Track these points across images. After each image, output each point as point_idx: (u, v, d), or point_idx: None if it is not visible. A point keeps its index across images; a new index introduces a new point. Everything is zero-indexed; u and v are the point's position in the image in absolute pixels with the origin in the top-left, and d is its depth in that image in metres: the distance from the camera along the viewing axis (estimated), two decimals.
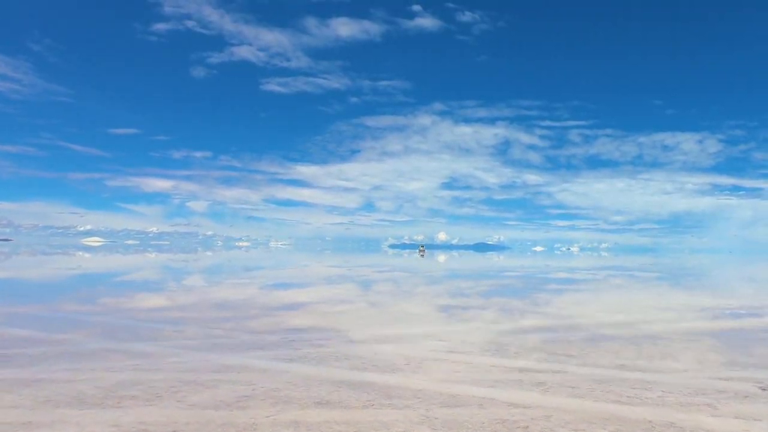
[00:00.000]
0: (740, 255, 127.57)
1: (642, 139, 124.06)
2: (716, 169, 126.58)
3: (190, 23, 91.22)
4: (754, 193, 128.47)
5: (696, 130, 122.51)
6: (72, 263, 36.59)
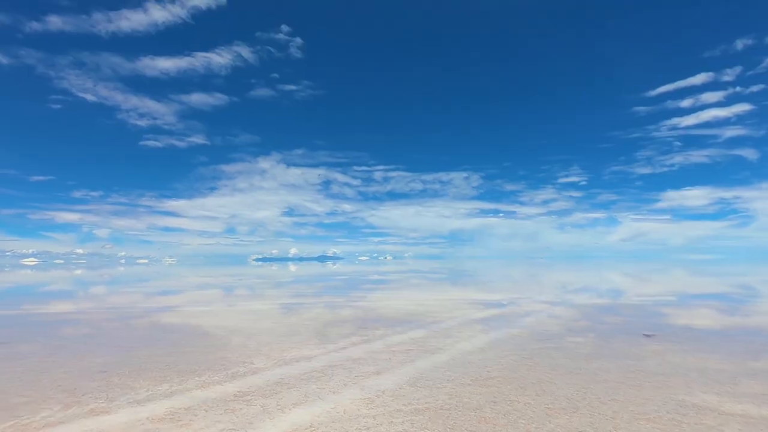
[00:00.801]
0: (507, 260, 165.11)
1: (425, 176, 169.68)
2: (480, 197, 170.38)
3: (86, 95, 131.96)
4: (510, 215, 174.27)
5: (464, 170, 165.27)
6: (39, 278, 35.46)
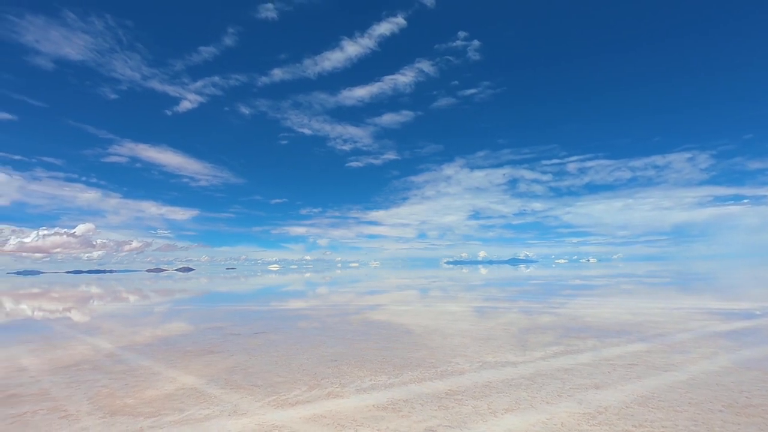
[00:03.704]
0: (757, 258, 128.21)
1: (633, 162, 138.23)
2: (712, 181, 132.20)
3: (304, 130, 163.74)
4: (759, 200, 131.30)
5: (686, 150, 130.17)
6: (280, 280, 52.88)
